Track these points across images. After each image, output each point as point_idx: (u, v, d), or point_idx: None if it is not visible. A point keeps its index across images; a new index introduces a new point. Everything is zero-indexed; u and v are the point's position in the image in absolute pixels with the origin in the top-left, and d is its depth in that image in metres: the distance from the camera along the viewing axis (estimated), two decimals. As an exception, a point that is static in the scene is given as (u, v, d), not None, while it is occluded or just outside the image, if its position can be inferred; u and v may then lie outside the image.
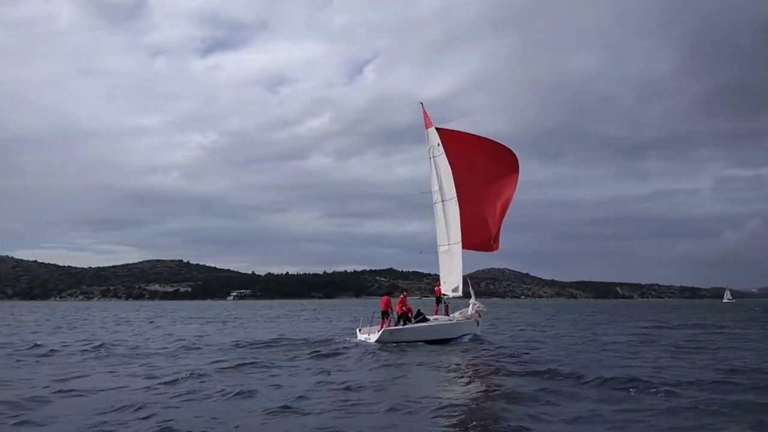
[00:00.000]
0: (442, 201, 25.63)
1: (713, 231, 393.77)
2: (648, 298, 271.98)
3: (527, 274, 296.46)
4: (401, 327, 22.79)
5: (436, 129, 25.88)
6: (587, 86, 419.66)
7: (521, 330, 32.04)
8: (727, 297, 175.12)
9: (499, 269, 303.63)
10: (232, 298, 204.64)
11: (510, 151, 26.47)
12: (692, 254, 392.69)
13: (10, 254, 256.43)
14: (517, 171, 26.37)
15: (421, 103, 26.67)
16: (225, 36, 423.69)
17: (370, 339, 22.57)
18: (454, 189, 24.86)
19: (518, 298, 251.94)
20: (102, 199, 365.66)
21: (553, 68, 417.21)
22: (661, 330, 31.24)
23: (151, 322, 40.97)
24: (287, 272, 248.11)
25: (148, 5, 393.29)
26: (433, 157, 26.02)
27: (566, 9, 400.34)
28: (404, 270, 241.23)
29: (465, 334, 24.16)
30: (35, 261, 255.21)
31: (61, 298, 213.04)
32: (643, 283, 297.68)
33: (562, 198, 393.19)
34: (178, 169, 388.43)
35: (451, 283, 25.21)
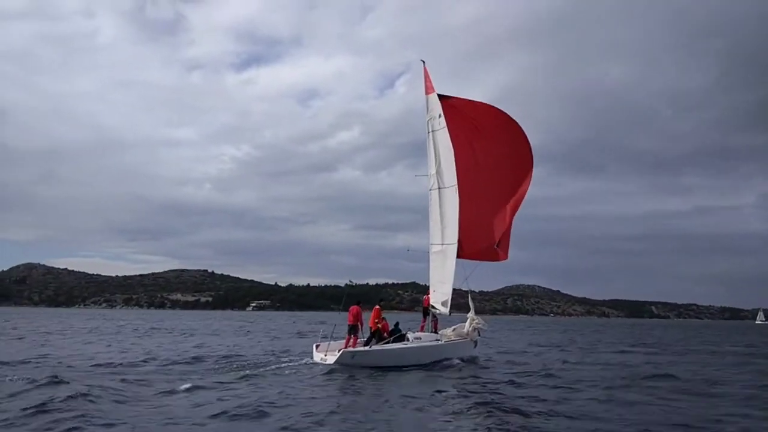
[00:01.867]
0: (439, 188, 20.31)
1: (756, 249, 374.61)
2: (685, 318, 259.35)
3: (558, 291, 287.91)
4: (366, 349, 17.39)
5: (439, 96, 20.55)
6: (620, 98, 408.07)
7: (529, 349, 26.02)
8: (760, 318, 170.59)
9: (528, 286, 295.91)
10: (251, 308, 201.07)
11: (523, 131, 20.96)
12: (733, 273, 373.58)
13: (46, 262, 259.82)
14: (532, 158, 20.84)
15: (423, 62, 21.38)
16: (260, 51, 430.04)
17: (327, 360, 17.25)
18: (455, 174, 19.46)
19: (546, 315, 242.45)
20: (137, 209, 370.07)
21: (586, 80, 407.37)
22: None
23: (117, 332, 36.22)
24: (308, 284, 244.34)
25: (187, 21, 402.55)
26: (432, 131, 20.72)
27: (598, 20, 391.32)
28: (427, 284, 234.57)
29: (456, 357, 18.70)
30: (65, 269, 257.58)
31: (84, 305, 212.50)
32: (680, 302, 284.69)
33: (594, 213, 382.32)
34: (211, 180, 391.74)
35: (442, 293, 19.67)
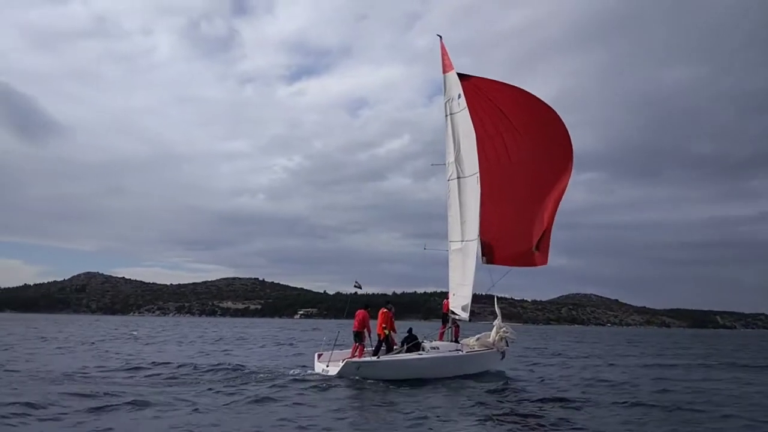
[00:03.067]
0: (458, 177, 17.91)
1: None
2: (753, 328, 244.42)
3: (616, 300, 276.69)
4: (373, 359, 15.17)
5: (459, 75, 18.24)
6: (682, 100, 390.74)
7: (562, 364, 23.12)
8: None
9: (585, 294, 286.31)
10: (298, 316, 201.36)
11: (560, 118, 18.35)
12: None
13: (107, 272, 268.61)
14: (572, 150, 18.21)
15: (439, 36, 19.09)
16: (310, 62, 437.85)
17: (329, 371, 15.15)
18: (477, 162, 17.09)
19: (603, 325, 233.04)
20: (195, 220, 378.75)
21: (645, 82, 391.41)
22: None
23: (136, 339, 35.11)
24: (356, 292, 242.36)
25: (240, 36, 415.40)
26: (451, 113, 18.37)
27: (658, 21, 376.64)
28: (477, 293, 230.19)
29: (479, 371, 16.30)
30: (122, 277, 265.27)
31: (139, 313, 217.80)
32: (747, 312, 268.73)
33: (655, 220, 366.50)
34: (264, 191, 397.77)
35: (462, 297, 17.24)
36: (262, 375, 15.41)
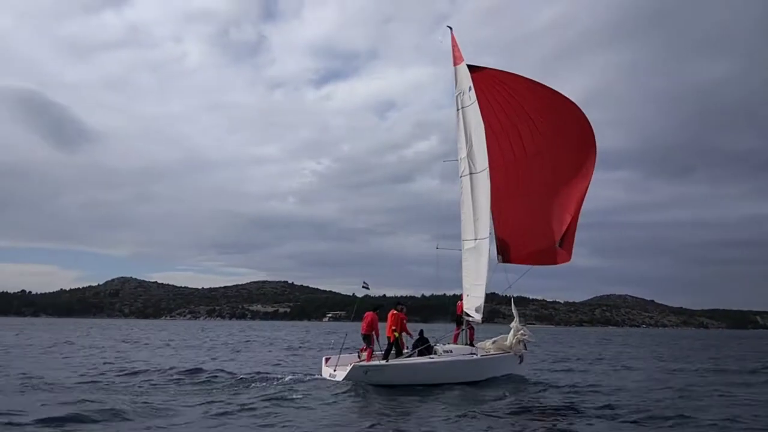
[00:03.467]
0: (470, 173, 17.11)
1: None
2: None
3: (652, 301, 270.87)
4: (382, 363, 14.48)
5: (470, 67, 17.50)
6: (717, 96, 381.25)
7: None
8: None
9: (620, 296, 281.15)
10: (327, 319, 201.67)
11: (580, 109, 17.49)
12: None
13: (141, 276, 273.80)
14: (595, 141, 17.35)
15: (450, 28, 18.34)
16: (337, 66, 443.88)
17: (336, 375, 14.51)
18: (486, 155, 16.33)
19: (638, 327, 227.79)
20: (226, 224, 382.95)
21: (678, 78, 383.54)
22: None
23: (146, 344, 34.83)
24: (384, 294, 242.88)
25: (268, 41, 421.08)
26: (462, 107, 17.62)
27: (692, 13, 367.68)
28: (507, 294, 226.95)
29: (495, 375, 15.48)
30: (155, 282, 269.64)
31: (170, 317, 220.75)
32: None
33: (691, 218, 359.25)
34: (294, 194, 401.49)
35: (475, 297, 16.45)
36: (234, 381, 14.70)
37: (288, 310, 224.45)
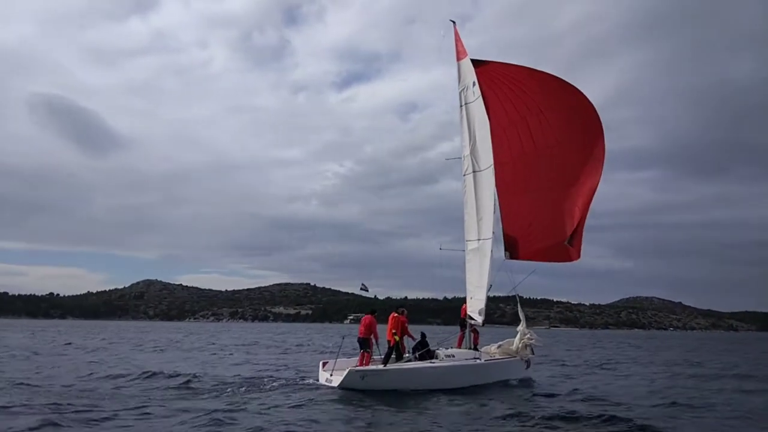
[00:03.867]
0: (474, 171, 16.56)
1: None
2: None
3: (679, 303, 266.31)
4: (380, 368, 13.95)
5: (474, 61, 16.95)
6: (750, 93, 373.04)
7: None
8: None
9: (646, 297, 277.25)
10: (348, 321, 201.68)
11: (590, 101, 16.81)
12: None
13: (166, 279, 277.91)
14: (603, 135, 16.67)
15: (453, 22, 17.84)
16: (359, 68, 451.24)
17: (332, 381, 14.03)
18: (491, 153, 15.75)
19: (665, 329, 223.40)
20: (251, 226, 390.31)
21: (709, 75, 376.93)
22: None
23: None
24: (406, 297, 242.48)
25: (291, 45, 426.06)
26: (465, 103, 17.09)
27: (723, 8, 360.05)
28: (531, 297, 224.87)
29: (503, 380, 14.89)
30: (180, 284, 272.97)
31: (194, 319, 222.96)
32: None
33: (722, 219, 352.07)
34: (317, 197, 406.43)
35: (478, 300, 15.85)
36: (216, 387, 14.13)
37: (310, 312, 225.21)
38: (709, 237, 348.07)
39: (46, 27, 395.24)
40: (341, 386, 13.34)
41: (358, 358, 15.29)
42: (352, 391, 13.08)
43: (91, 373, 16.45)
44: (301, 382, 14.86)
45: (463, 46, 17.23)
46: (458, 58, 17.31)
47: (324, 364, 15.40)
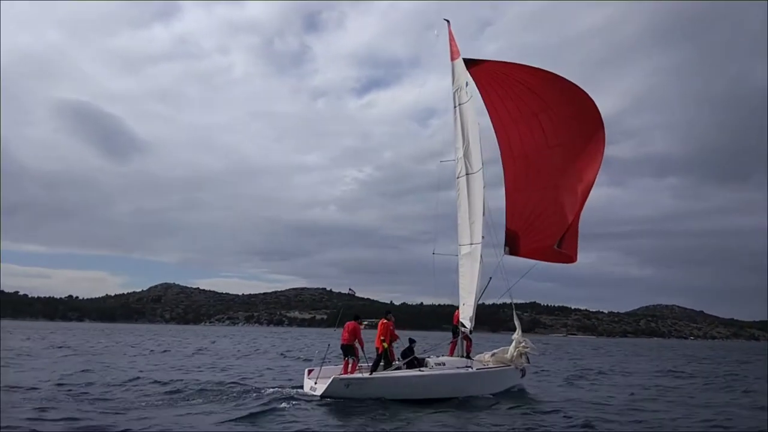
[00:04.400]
0: (467, 174, 16.07)
1: None
2: None
3: (701, 312, 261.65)
4: (364, 376, 13.49)
5: (468, 61, 16.50)
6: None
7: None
8: None
9: (667, 306, 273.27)
10: (363, 326, 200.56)
11: (590, 98, 16.21)
12: None
13: (185, 283, 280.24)
14: (604, 133, 16.05)
15: (447, 21, 17.41)
16: (379, 74, 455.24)
17: (316, 389, 13.59)
18: (480, 155, 15.38)
19: (685, 339, 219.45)
20: (271, 231, 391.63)
21: (733, 79, 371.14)
22: None
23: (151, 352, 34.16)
24: (422, 303, 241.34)
25: (312, 51, 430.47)
26: (459, 104, 16.62)
27: (750, 10, 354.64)
28: (548, 304, 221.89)
29: (495, 391, 14.35)
30: (197, 288, 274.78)
31: (210, 323, 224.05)
32: None
33: (746, 226, 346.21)
34: (336, 202, 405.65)
35: (469, 306, 15.34)
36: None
37: (325, 317, 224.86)
38: (732, 245, 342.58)
39: (72, 34, 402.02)
40: (325, 395, 12.91)
41: (342, 366, 14.84)
42: (336, 400, 12.64)
43: None
44: (283, 393, 14.35)
45: (456, 45, 16.82)
46: (452, 58, 16.89)
47: (309, 371, 14.98)
